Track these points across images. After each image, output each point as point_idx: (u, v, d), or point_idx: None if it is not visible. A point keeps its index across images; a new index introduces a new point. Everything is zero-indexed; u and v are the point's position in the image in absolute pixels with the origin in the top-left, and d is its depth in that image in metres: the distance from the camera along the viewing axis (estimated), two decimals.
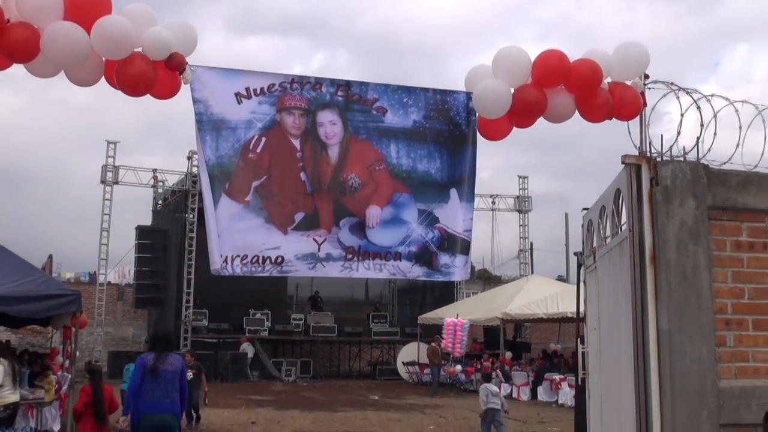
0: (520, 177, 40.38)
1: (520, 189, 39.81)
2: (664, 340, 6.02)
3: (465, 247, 5.97)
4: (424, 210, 5.85)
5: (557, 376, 24.42)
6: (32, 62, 4.86)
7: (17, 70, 4.92)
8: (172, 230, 31.53)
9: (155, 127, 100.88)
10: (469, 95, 5.88)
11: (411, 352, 31.00)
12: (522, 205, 39.27)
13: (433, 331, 29.68)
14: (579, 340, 9.21)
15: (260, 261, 5.47)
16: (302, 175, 5.59)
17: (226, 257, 5.37)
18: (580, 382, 8.79)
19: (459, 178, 5.93)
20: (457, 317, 27.29)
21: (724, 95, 6.56)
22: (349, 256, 5.63)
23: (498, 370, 26.47)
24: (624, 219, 6.44)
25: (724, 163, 6.42)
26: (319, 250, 5.58)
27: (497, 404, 13.43)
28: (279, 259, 5.48)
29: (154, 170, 32.76)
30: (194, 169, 29.98)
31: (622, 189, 6.37)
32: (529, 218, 39.78)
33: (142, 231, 31.86)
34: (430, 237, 5.86)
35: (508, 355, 28.20)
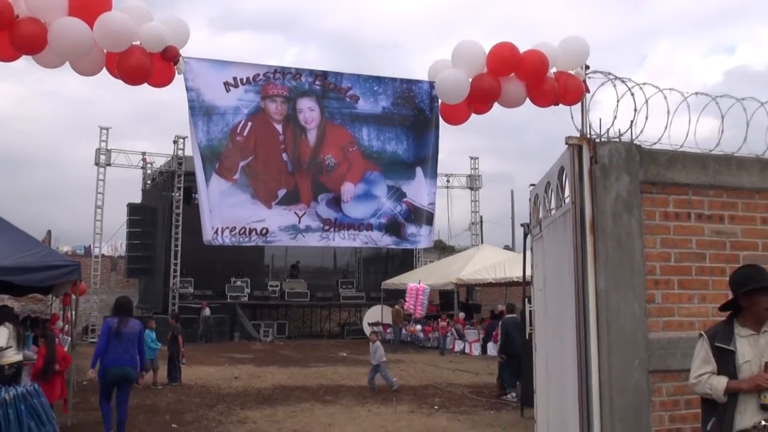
0: (471, 158, 40.36)
1: (471, 169, 39.82)
2: (601, 298, 6.08)
3: (429, 219, 5.99)
4: (393, 186, 5.83)
5: None
6: (40, 54, 4.80)
7: (18, 63, 4.86)
8: (160, 207, 31.19)
9: (143, 115, 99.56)
10: (432, 84, 5.87)
11: (375, 313, 31.00)
12: (473, 183, 39.32)
13: (396, 296, 29.71)
14: (527, 300, 9.25)
15: (247, 232, 5.44)
16: (284, 155, 5.54)
17: (217, 229, 5.34)
18: (527, 337, 8.82)
19: (423, 157, 5.92)
20: (419, 283, 27.34)
21: (654, 84, 6.64)
22: (326, 227, 5.62)
23: (453, 329, 26.67)
24: (567, 193, 6.44)
25: (654, 144, 6.42)
26: (299, 222, 5.55)
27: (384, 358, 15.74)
28: (264, 231, 5.46)
29: (143, 153, 32.35)
30: (180, 152, 29.64)
31: (566, 166, 6.38)
32: (480, 195, 39.89)
33: (132, 208, 31.51)
34: (398, 210, 5.85)
35: (462, 315, 28.39)
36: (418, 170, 5.91)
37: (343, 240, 5.67)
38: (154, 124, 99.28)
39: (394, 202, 5.85)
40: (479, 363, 22.32)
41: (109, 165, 30.51)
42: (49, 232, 34.71)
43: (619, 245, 6.16)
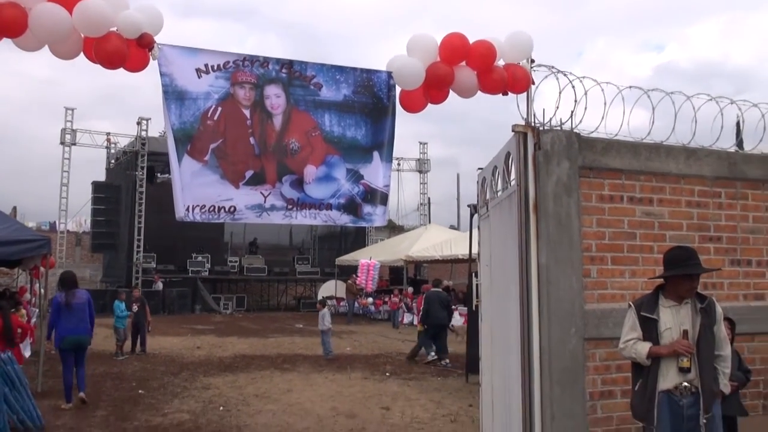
0: (420, 143, 40.59)
1: (420, 153, 40.03)
2: (543, 272, 6.21)
3: (384, 199, 6.02)
4: (351, 169, 5.83)
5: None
6: (20, 38, 4.71)
7: None
8: (123, 185, 30.66)
9: (106, 97, 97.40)
10: (389, 74, 5.88)
11: (329, 288, 31.05)
12: (422, 166, 39.55)
13: (349, 271, 29.79)
14: (474, 274, 9.36)
15: (216, 210, 5.42)
16: (251, 139, 5.50)
17: (188, 206, 5.31)
18: (474, 308, 8.93)
19: (380, 142, 5.95)
20: (370, 259, 27.44)
21: (592, 78, 6.76)
22: (290, 206, 5.61)
23: (403, 303, 26.86)
24: (513, 176, 6.53)
25: (592, 133, 6.51)
26: (265, 201, 5.54)
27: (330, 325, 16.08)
28: (232, 209, 5.44)
29: (108, 134, 31.73)
30: (143, 134, 29.15)
31: (512, 152, 6.46)
32: (428, 177, 40.17)
33: (97, 186, 30.95)
34: (356, 191, 5.86)
35: (410, 290, 28.57)
36: (375, 154, 5.95)
37: (304, 218, 5.70)
38: (117, 106, 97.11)
39: (352, 183, 5.87)
40: None
41: (74, 144, 29.89)
42: (14, 209, 33.89)
43: (559, 224, 6.29)
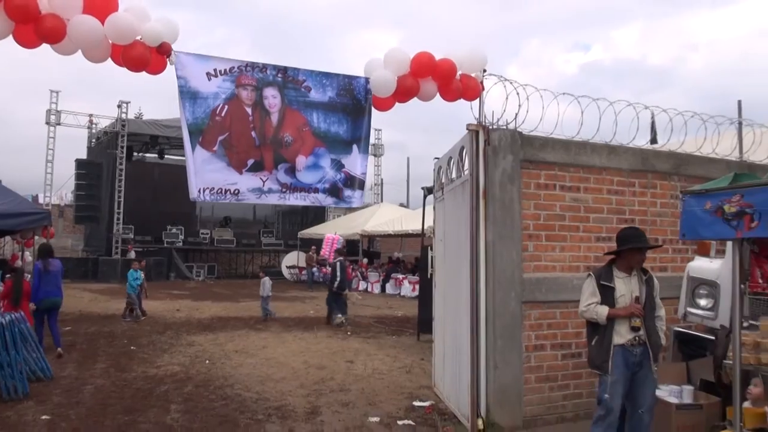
0: (375, 130, 40.78)
1: (375, 139, 40.34)
2: (489, 247, 6.75)
3: (361, 184, 6.40)
4: (335, 159, 6.16)
5: (400, 276, 25.43)
6: (58, 44, 4.99)
7: None
8: (105, 163, 30.21)
9: (86, 80, 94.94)
10: (367, 80, 6.25)
11: (292, 258, 31.24)
12: (376, 150, 39.82)
13: (309, 243, 30.03)
14: (429, 247, 9.77)
15: (223, 192, 5.73)
16: (253, 133, 5.79)
17: (200, 189, 5.60)
18: (429, 276, 9.31)
19: (358, 137, 6.31)
20: (335, 233, 27.76)
21: (531, 82, 7.25)
22: (284, 190, 5.95)
23: (358, 272, 27.33)
24: (466, 167, 7.00)
25: (531, 131, 6.99)
26: (263, 185, 5.86)
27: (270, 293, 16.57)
28: (236, 191, 5.77)
29: (90, 115, 31.19)
30: (123, 116, 28.83)
31: (466, 146, 6.95)
32: (381, 160, 40.55)
33: (80, 163, 30.39)
34: (339, 177, 6.21)
35: (365, 261, 29.06)
36: (354, 147, 6.30)
37: (296, 200, 6.08)
38: (97, 89, 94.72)
39: (336, 171, 6.20)
40: (380, 300, 23.10)
41: (59, 124, 29.39)
42: None
43: (503, 207, 6.82)
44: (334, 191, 6.24)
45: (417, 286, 23.28)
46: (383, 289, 25.96)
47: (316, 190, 6.13)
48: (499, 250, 6.76)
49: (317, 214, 35.49)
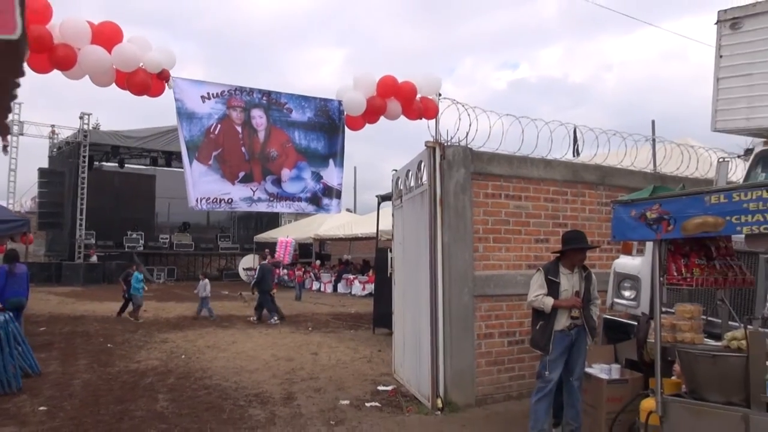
0: None
1: None
2: (445, 249, 7.20)
3: (338, 194, 6.69)
4: (315, 172, 6.44)
5: (351, 276, 25.81)
6: (70, 71, 5.19)
7: None
8: (67, 171, 29.51)
9: (45, 91, 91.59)
10: (340, 102, 6.63)
11: (248, 261, 31.09)
12: None
13: (264, 247, 30.03)
14: (388, 249, 10.11)
15: (218, 201, 5.96)
16: (243, 149, 6.02)
17: (197, 198, 5.81)
18: (389, 275, 9.60)
19: (334, 152, 6.62)
20: (287, 237, 27.88)
21: (465, 98, 7.69)
22: (271, 199, 6.23)
23: (311, 273, 27.54)
24: (424, 178, 7.41)
25: (480, 147, 7.48)
26: (253, 195, 6.11)
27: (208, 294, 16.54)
28: (229, 200, 6.01)
29: (52, 126, 30.41)
30: (85, 126, 28.27)
31: (424, 160, 7.37)
32: None
33: (43, 171, 29.59)
34: (318, 188, 6.50)
35: (318, 262, 29.26)
36: (331, 161, 6.62)
37: (282, 208, 6.39)
38: (55, 100, 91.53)
39: (315, 182, 6.49)
40: (333, 298, 23.38)
41: (21, 135, 28.60)
42: None
43: (457, 214, 7.30)
44: (314, 200, 6.55)
45: (366, 286, 23.78)
46: (335, 288, 26.25)
47: (299, 199, 6.43)
48: (454, 251, 7.22)
49: (271, 219, 35.47)
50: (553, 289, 5.63)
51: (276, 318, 15.36)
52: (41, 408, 7.10)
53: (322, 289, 26.68)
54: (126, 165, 32.85)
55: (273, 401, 7.50)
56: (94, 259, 28.82)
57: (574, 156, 9.98)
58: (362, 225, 25.37)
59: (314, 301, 21.49)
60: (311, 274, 27.37)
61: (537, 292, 5.68)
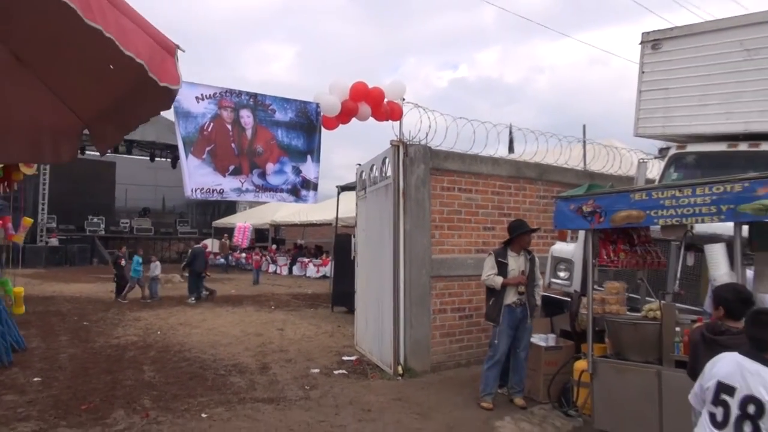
0: None
1: None
2: (407, 236, 7.66)
3: (315, 186, 6.97)
4: (295, 166, 6.70)
5: (306, 259, 26.05)
6: None
7: None
8: None
9: None
10: (317, 104, 6.95)
11: (207, 245, 30.90)
12: None
13: (222, 232, 29.93)
14: (352, 235, 10.48)
15: (210, 191, 6.16)
16: (233, 145, 6.25)
17: (192, 189, 6.00)
18: (352, 258, 9.99)
19: (312, 149, 6.91)
20: (245, 222, 27.83)
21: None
22: (258, 190, 6.48)
23: (267, 257, 27.64)
24: (389, 173, 7.82)
25: (438, 146, 7.98)
26: (242, 186, 6.35)
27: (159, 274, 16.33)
28: (221, 191, 6.23)
29: None
30: None
31: (389, 157, 7.81)
32: None
33: None
34: (298, 181, 6.79)
35: (274, 246, 29.36)
36: (309, 157, 6.91)
37: (267, 198, 6.69)
38: None
39: (295, 176, 6.79)
40: (289, 280, 23.58)
41: None
42: None
43: (417, 205, 7.78)
44: (294, 191, 6.87)
45: (321, 268, 24.12)
46: (290, 271, 26.43)
47: (282, 190, 6.75)
48: (414, 237, 7.70)
49: (229, 206, 35.14)
50: (502, 269, 6.18)
51: (194, 299, 15.25)
52: (36, 379, 7.25)
53: (278, 271, 26.82)
54: (87, 152, 31.99)
55: (250, 371, 7.85)
56: (54, 242, 28.16)
57: (509, 152, 10.65)
58: (316, 212, 25.56)
59: (272, 283, 21.67)
60: (267, 257, 27.48)
61: (489, 272, 6.21)
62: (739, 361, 2.93)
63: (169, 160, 29.88)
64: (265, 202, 38.86)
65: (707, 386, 3.00)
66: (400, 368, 7.50)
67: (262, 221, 28.80)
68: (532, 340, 6.67)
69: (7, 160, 5.80)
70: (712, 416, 2.94)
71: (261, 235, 32.29)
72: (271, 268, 26.98)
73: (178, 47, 1.78)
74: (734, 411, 2.84)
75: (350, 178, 12.53)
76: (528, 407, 6.22)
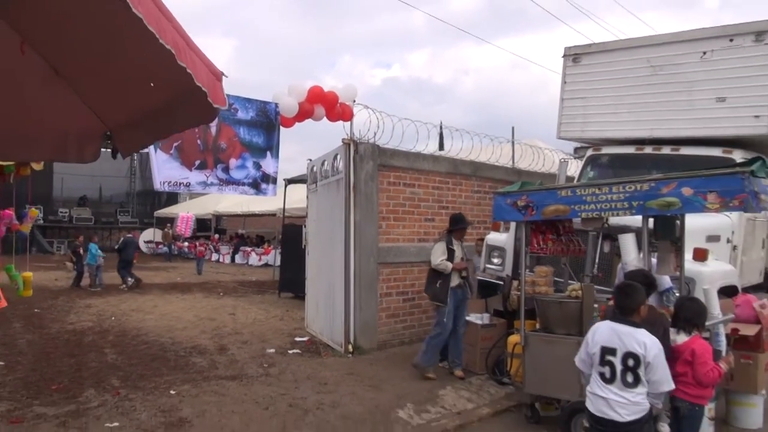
0: None
1: None
2: (357, 226, 7.94)
3: (274, 180, 7.18)
4: (256, 161, 6.86)
5: (248, 248, 25.91)
6: None
7: None
8: None
9: None
10: (276, 105, 7.13)
11: (149, 234, 30.11)
12: None
13: (165, 222, 29.28)
14: (303, 225, 10.66)
15: (178, 184, 6.26)
16: (198, 141, 6.33)
17: (161, 181, 6.10)
18: (303, 248, 10.19)
19: (271, 146, 7.08)
20: (188, 212, 27.33)
21: (387, 113, 8.48)
22: (221, 184, 6.62)
23: (210, 246, 27.28)
24: (340, 168, 8.04)
25: (385, 144, 8.31)
26: (207, 180, 6.46)
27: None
28: (188, 183, 6.34)
29: None
30: None
31: (340, 154, 8.06)
32: None
33: None
34: (258, 175, 6.96)
35: (216, 236, 28.99)
36: (268, 153, 7.10)
37: (230, 191, 6.85)
38: None
39: (256, 170, 6.97)
40: (232, 268, 23.43)
41: None
42: None
43: (366, 198, 8.08)
44: (255, 185, 7.07)
45: (263, 257, 24.08)
46: (233, 259, 26.20)
47: (243, 184, 6.93)
48: (363, 228, 8.02)
49: (170, 196, 34.25)
50: (450, 255, 6.64)
51: (126, 286, 15.12)
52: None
53: (220, 260, 26.53)
54: None
55: (209, 352, 8.00)
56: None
57: (439, 149, 11.16)
58: (257, 203, 25.36)
59: (216, 271, 21.49)
60: (209, 246, 27.11)
61: (440, 258, 6.63)
62: (612, 327, 3.52)
63: (108, 150, 28.82)
64: (204, 193, 38.12)
65: (593, 352, 3.55)
66: (350, 347, 7.84)
67: (204, 211, 28.37)
68: (471, 319, 7.18)
69: (33, 159, 5.73)
70: (602, 375, 3.50)
71: (203, 225, 31.68)
72: (214, 256, 26.65)
73: (223, 74, 2.03)
74: (618, 367, 3.42)
75: (293, 170, 12.72)
76: (466, 378, 6.72)
